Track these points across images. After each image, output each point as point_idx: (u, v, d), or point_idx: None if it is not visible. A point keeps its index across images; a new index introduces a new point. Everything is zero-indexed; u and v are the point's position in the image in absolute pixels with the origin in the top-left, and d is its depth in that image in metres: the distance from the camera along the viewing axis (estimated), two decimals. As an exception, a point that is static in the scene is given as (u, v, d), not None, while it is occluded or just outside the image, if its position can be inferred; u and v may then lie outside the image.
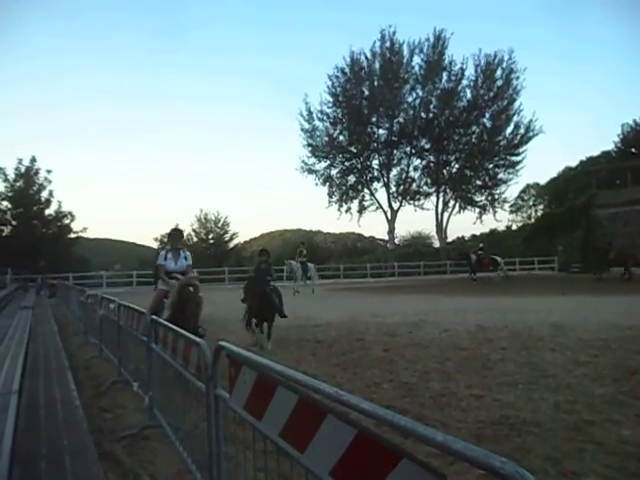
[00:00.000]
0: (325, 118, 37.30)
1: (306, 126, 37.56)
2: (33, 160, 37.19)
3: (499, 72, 35.68)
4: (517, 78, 35.68)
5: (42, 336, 9.85)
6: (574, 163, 54.06)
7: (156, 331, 4.23)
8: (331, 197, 38.81)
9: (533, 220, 54.74)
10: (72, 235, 39.12)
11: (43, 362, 7.24)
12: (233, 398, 2.34)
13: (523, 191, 61.76)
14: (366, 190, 39.25)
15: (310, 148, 38.02)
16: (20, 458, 3.54)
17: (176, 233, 7.27)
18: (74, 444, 3.80)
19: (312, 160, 38.34)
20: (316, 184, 38.77)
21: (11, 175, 36.61)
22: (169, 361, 3.74)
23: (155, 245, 46.65)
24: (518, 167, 37.97)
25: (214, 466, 2.53)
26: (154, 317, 4.43)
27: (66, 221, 38.74)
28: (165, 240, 45.98)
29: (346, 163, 38.61)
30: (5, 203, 36.74)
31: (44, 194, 37.70)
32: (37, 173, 37.30)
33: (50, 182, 37.72)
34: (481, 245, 29.18)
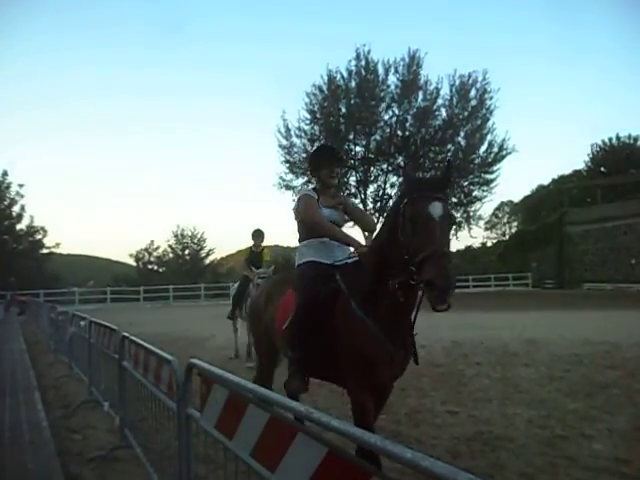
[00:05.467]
0: (303, 135, 37.46)
1: (284, 142, 37.64)
2: (4, 174, 36.65)
3: (473, 92, 36.35)
4: (491, 98, 36.33)
5: (10, 355, 9.57)
6: (546, 182, 55.35)
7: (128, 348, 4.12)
8: (308, 213, 38.84)
9: (507, 237, 55.70)
10: (44, 251, 38.42)
11: (10, 381, 7.01)
12: (204, 417, 2.29)
13: (498, 208, 62.90)
14: (343, 207, 39.38)
15: (288, 164, 38.09)
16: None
17: (327, 151, 4.08)
18: (40, 467, 3.68)
19: (290, 176, 38.39)
20: (293, 200, 38.76)
21: (-20, 189, 35.96)
22: (141, 379, 3.66)
23: (131, 262, 45.78)
24: (492, 185, 38.44)
25: (184, 487, 2.47)
26: (125, 334, 4.26)
27: (38, 236, 38.09)
28: (140, 256, 45.28)
29: (324, 180, 38.79)
30: (-26, 218, 35.98)
31: (16, 209, 37.08)
32: (8, 187, 36.67)
33: (22, 197, 37.16)
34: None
